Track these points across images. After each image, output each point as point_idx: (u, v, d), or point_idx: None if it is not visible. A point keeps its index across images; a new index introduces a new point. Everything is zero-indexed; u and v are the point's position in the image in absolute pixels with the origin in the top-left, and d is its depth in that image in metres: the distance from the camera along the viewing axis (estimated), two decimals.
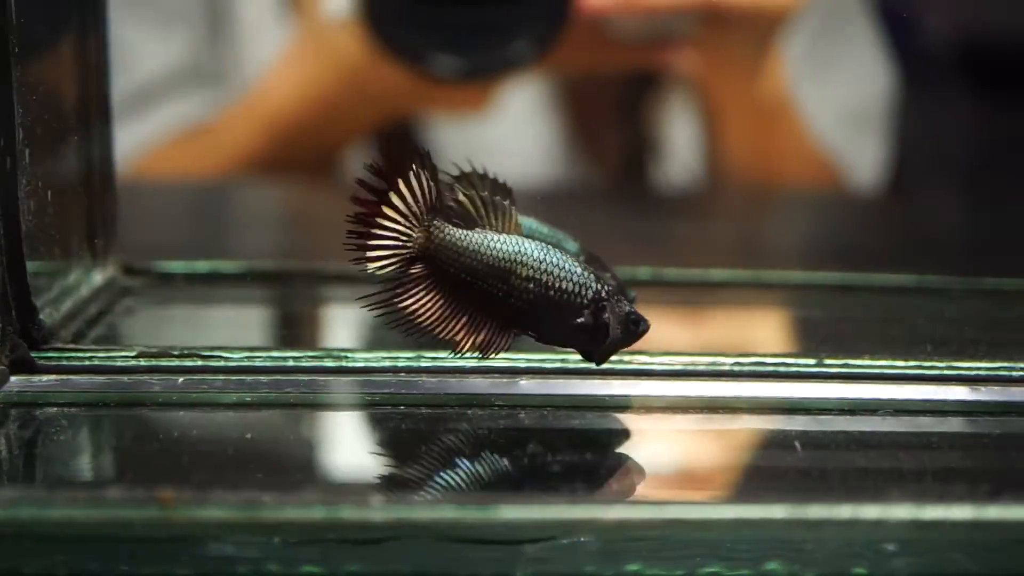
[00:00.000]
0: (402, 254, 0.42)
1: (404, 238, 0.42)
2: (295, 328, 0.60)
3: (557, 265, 0.43)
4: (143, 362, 0.44)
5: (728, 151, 0.97)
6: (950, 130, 1.14)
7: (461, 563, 0.33)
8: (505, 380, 0.44)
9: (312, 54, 0.92)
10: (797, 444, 0.41)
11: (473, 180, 0.45)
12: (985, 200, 0.94)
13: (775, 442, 0.42)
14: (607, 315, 0.43)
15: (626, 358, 0.45)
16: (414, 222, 0.42)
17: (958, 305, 0.59)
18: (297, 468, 0.39)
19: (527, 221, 0.46)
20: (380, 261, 0.42)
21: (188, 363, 0.44)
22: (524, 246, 0.43)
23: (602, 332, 0.43)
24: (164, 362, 0.44)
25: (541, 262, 0.43)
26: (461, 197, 0.43)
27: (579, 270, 0.43)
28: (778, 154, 0.97)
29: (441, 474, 0.38)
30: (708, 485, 0.39)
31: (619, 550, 0.33)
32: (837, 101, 1.02)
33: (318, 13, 0.92)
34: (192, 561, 0.33)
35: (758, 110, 0.94)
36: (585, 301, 0.43)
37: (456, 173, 0.45)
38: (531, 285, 0.43)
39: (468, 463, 0.39)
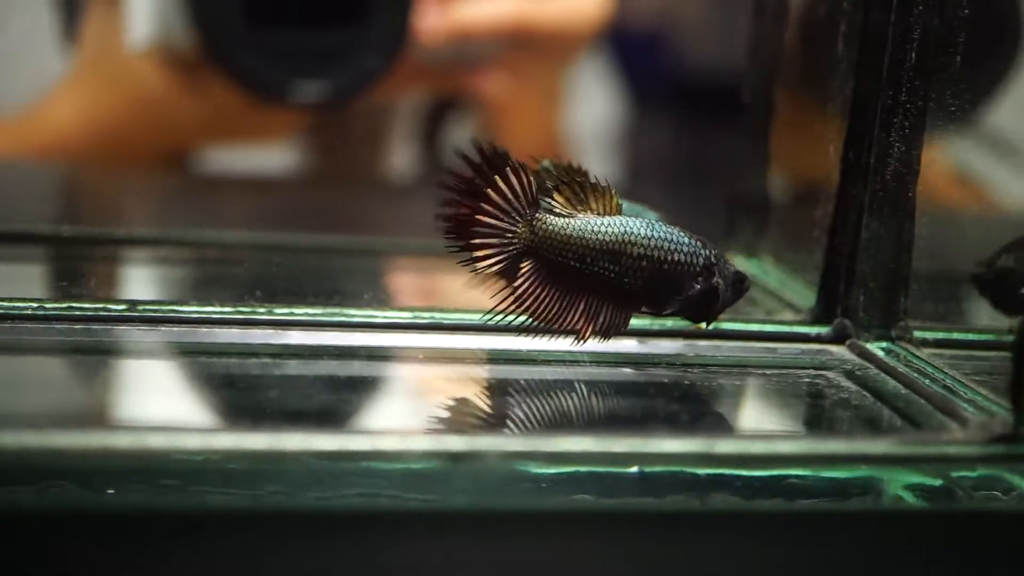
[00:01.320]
0: (508, 251, 0.42)
1: (509, 235, 0.42)
2: None
3: (666, 239, 0.42)
4: None
5: None
6: (671, 150, 1.33)
7: None
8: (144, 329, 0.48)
9: (99, 83, 0.90)
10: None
11: (558, 169, 0.45)
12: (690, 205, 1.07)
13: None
14: (717, 279, 0.43)
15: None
16: (516, 217, 0.42)
17: None
18: None
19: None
20: (487, 260, 0.42)
21: None
22: (630, 225, 0.42)
23: (714, 296, 0.43)
24: None
25: (650, 238, 0.42)
26: (559, 185, 0.43)
27: (686, 239, 0.43)
28: None
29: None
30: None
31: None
32: (573, 124, 1.10)
33: (108, 42, 0.89)
34: None
35: (545, 131, 0.97)
36: (697, 268, 0.43)
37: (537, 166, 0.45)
38: (644, 263, 0.42)
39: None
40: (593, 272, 0.42)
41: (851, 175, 0.52)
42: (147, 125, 0.89)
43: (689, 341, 0.52)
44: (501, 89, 0.92)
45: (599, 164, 1.17)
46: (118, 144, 0.90)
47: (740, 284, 0.44)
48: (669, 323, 0.53)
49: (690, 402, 0.47)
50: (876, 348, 0.51)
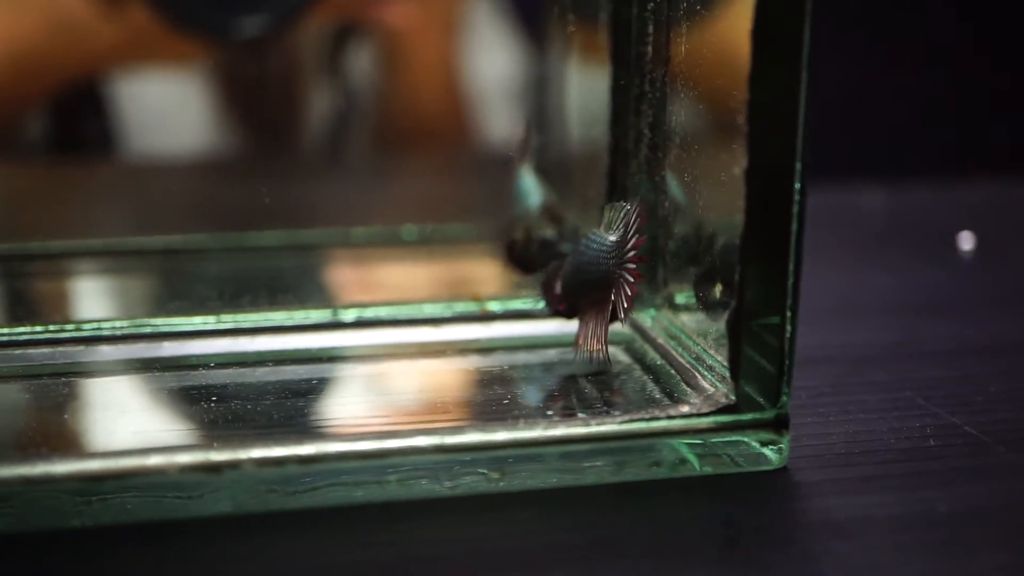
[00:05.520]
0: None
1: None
2: None
3: None
4: None
5: (411, 100, 0.99)
6: None
7: None
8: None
9: (15, 6, 0.90)
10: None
11: None
12: None
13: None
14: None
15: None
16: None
17: None
18: None
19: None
20: None
21: None
22: None
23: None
24: None
25: None
26: None
27: None
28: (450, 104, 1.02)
29: None
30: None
31: None
32: (476, 76, 1.07)
33: None
34: None
35: (444, 59, 0.99)
36: None
37: None
38: None
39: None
40: None
41: (618, 156, 0.55)
42: (66, 48, 0.90)
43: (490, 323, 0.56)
44: (402, 16, 0.95)
45: (505, 116, 1.19)
46: (34, 67, 0.91)
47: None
48: (459, 307, 0.56)
49: (478, 387, 0.51)
50: (645, 318, 0.54)
